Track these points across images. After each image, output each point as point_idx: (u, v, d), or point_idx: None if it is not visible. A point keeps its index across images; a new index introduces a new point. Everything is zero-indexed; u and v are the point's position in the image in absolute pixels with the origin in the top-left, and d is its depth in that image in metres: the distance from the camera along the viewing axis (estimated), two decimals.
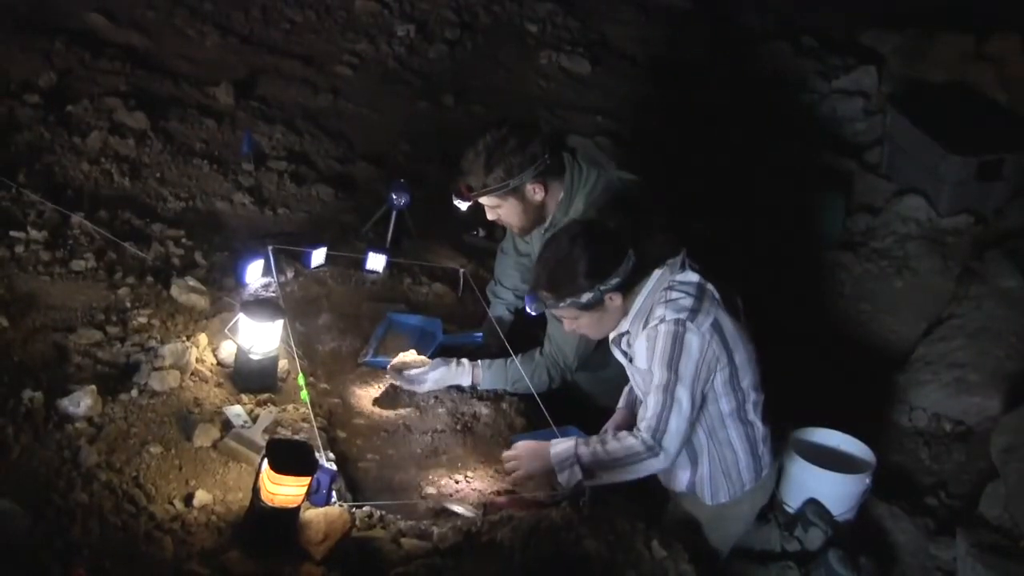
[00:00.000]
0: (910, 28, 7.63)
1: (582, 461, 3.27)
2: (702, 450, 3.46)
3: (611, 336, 3.48)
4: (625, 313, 3.31)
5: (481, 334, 4.21)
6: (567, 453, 3.30)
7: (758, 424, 3.47)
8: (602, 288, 3.18)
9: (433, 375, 3.84)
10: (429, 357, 3.95)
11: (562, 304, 3.23)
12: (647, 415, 3.24)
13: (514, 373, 3.86)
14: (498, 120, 3.75)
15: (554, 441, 3.38)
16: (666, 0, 8.46)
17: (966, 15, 7.34)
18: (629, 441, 3.26)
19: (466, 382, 3.90)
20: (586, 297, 3.19)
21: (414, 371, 3.83)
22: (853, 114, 7.42)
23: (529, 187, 3.60)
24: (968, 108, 6.77)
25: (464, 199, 3.62)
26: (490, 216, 3.74)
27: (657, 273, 3.27)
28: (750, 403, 3.42)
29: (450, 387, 3.92)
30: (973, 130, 6.43)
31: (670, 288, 3.24)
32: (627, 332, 3.37)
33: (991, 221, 6.29)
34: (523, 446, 3.44)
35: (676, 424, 3.22)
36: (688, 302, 3.20)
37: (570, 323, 3.35)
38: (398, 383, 3.84)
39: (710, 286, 3.27)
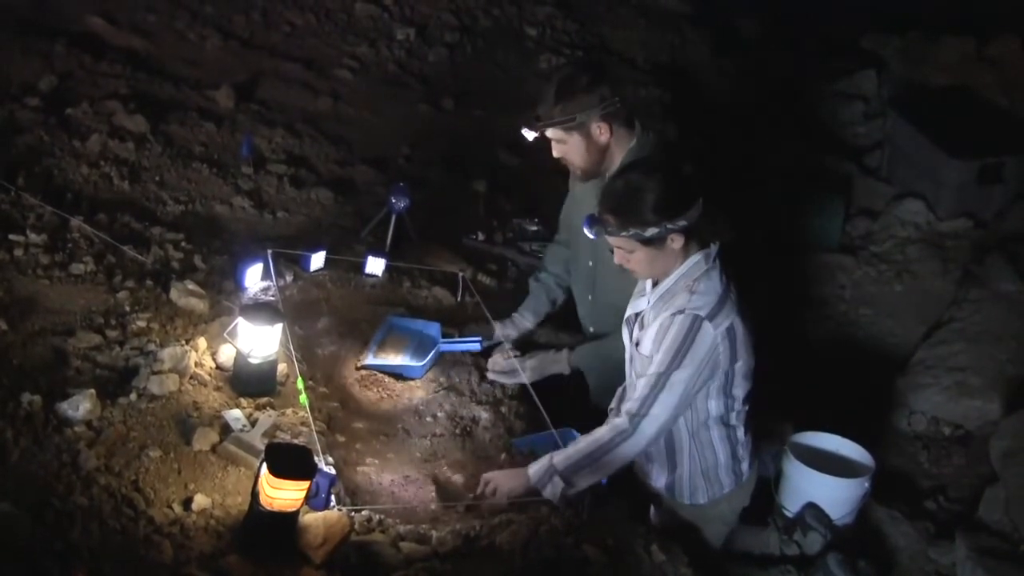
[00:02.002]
0: (911, 31, 7.65)
1: (558, 469, 3.23)
2: (683, 451, 3.46)
3: (626, 313, 3.47)
4: (664, 274, 3.28)
5: (480, 337, 4.21)
6: (544, 467, 3.26)
7: (740, 429, 3.47)
8: (669, 226, 3.11)
9: (531, 363, 3.95)
10: (428, 363, 3.98)
11: (624, 233, 3.14)
12: (633, 397, 3.23)
13: (606, 350, 3.84)
14: (574, 60, 3.70)
15: (532, 464, 3.31)
16: (665, 3, 8.46)
17: (967, 18, 7.34)
18: (598, 432, 3.25)
19: (565, 369, 3.95)
20: (651, 231, 3.11)
21: (506, 364, 3.97)
22: (853, 117, 7.43)
23: (595, 126, 3.56)
24: (968, 111, 6.78)
25: (531, 129, 3.61)
26: (555, 152, 3.68)
27: (694, 259, 3.24)
28: (735, 411, 3.42)
29: (450, 391, 3.94)
30: (973, 133, 6.44)
31: (699, 280, 3.21)
32: (642, 312, 3.36)
33: (991, 225, 6.29)
34: (494, 473, 3.38)
35: (659, 410, 3.19)
36: (712, 299, 3.18)
37: (622, 255, 3.25)
38: (500, 380, 3.99)
39: (733, 290, 3.26)
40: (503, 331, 4.17)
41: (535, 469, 3.28)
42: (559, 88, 3.54)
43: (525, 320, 4.21)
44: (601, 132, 3.58)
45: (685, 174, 3.20)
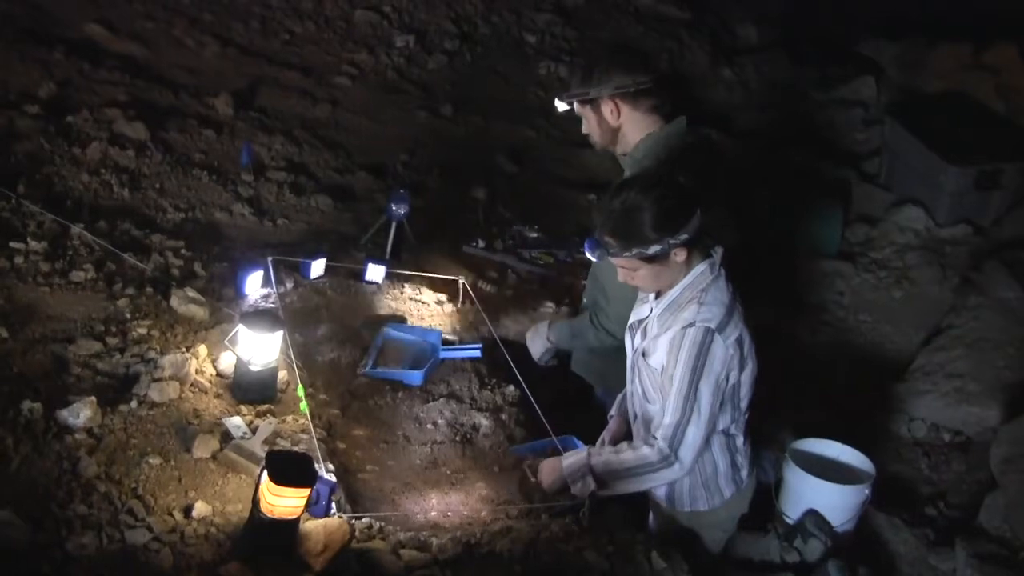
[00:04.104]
0: (909, 38, 7.65)
1: (595, 472, 3.27)
2: None
3: (629, 320, 3.47)
4: (669, 286, 3.26)
5: (480, 346, 4.21)
6: (579, 464, 3.30)
7: (739, 437, 3.46)
8: (671, 241, 3.09)
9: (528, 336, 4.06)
10: (428, 370, 3.99)
11: (627, 253, 3.13)
12: (664, 423, 3.21)
13: (576, 328, 3.90)
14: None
15: (566, 454, 3.38)
16: (664, 10, 8.48)
17: (964, 25, 7.35)
18: (643, 451, 3.25)
19: (545, 342, 3.98)
20: (653, 249, 3.09)
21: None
22: (852, 124, 7.43)
23: (605, 104, 3.62)
24: (966, 118, 6.78)
25: (559, 100, 3.72)
26: (583, 128, 3.79)
27: (699, 268, 3.22)
28: (736, 420, 3.41)
29: (450, 398, 3.95)
30: (971, 140, 6.44)
31: (705, 291, 3.20)
32: (646, 319, 3.35)
33: (990, 231, 6.29)
34: (544, 462, 3.44)
35: (693, 434, 3.20)
36: (720, 311, 3.17)
37: (627, 274, 3.25)
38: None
39: (739, 300, 3.26)
40: None
41: (570, 462, 3.32)
42: (584, 65, 3.69)
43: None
44: (611, 111, 3.62)
45: (682, 186, 3.19)
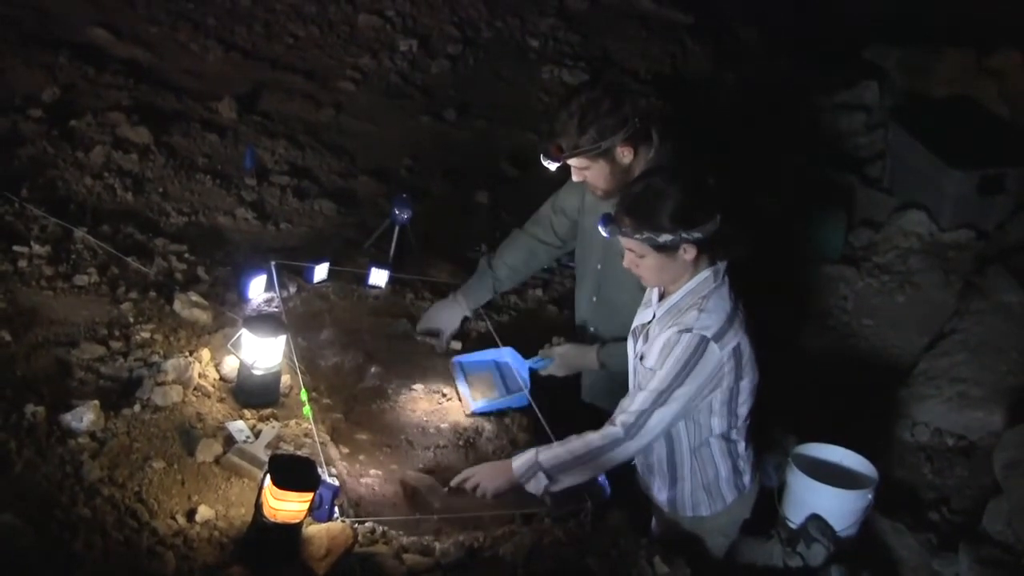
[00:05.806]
0: (912, 42, 7.64)
1: (544, 466, 3.24)
2: (684, 466, 3.46)
3: (632, 325, 3.47)
4: (671, 284, 3.27)
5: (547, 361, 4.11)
6: (529, 463, 3.27)
7: (740, 442, 3.46)
8: (684, 235, 3.08)
9: (560, 360, 3.95)
10: (513, 387, 3.98)
11: (637, 236, 3.11)
12: (629, 408, 3.21)
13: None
14: (590, 80, 3.62)
15: (515, 456, 3.35)
16: (668, 15, 8.48)
17: (968, 30, 7.35)
18: (589, 436, 3.24)
19: (594, 365, 3.89)
20: (664, 238, 3.09)
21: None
22: (855, 128, 7.42)
23: (619, 149, 3.52)
24: (970, 122, 6.78)
25: (555, 160, 3.54)
26: (576, 177, 3.64)
27: (703, 275, 3.22)
28: (736, 427, 3.41)
29: (452, 402, 3.95)
30: (975, 144, 6.43)
31: (707, 298, 3.20)
32: (648, 323, 3.34)
33: (993, 236, 6.29)
34: (477, 468, 3.40)
35: (655, 423, 3.19)
36: (720, 318, 3.17)
37: (632, 259, 3.22)
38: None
39: (741, 308, 3.25)
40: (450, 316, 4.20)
41: (519, 463, 3.29)
42: (582, 115, 3.47)
43: (464, 307, 4.21)
44: (625, 155, 3.55)
45: (708, 186, 3.17)
